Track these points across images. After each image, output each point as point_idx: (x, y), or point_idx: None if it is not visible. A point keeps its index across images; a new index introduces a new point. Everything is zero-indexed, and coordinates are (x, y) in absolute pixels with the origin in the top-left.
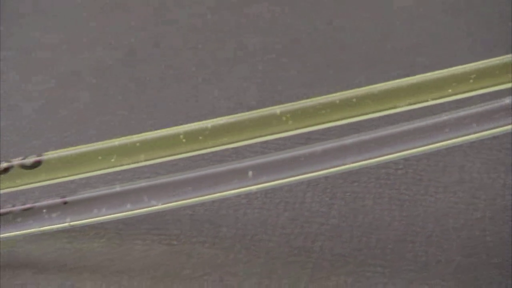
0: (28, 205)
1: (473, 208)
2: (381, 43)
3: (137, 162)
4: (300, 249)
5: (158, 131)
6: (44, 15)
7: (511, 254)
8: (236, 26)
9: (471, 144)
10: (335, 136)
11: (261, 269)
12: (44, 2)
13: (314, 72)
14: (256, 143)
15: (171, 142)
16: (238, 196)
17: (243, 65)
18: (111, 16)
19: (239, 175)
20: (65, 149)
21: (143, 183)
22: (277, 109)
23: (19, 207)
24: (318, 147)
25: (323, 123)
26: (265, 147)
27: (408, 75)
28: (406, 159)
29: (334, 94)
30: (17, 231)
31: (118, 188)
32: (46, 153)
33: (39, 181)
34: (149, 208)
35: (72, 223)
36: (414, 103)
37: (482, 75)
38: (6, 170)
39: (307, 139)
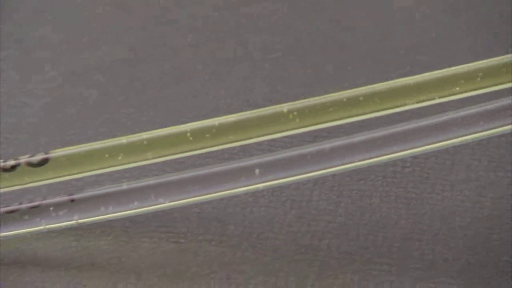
0: (35, 203)
1: (480, 206)
2: (381, 43)
3: (144, 160)
4: (307, 247)
5: (165, 129)
6: (47, 14)
7: None
8: (237, 25)
9: (479, 142)
10: (342, 134)
11: (268, 267)
12: (45, 2)
13: (314, 72)
14: (263, 141)
15: (178, 140)
16: (245, 194)
17: (249, 64)
18: (113, 15)
19: (246, 173)
20: (72, 147)
21: (150, 181)
22: (284, 107)
23: (26, 205)
24: (325, 145)
25: (330, 121)
26: (272, 145)
27: (408, 75)
28: (413, 157)
29: (341, 92)
30: (24, 229)
31: (125, 186)
32: (53, 150)
33: (46, 179)
34: (156, 206)
35: (79, 221)
36: (422, 101)
37: (489, 73)
38: (13, 167)
39: (314, 137)
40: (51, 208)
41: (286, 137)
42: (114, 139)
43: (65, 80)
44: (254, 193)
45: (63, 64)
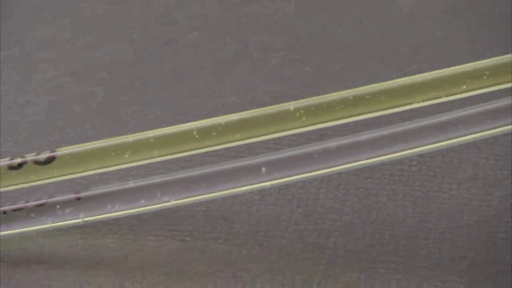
0: (41, 201)
1: (487, 204)
2: (382, 43)
3: (151, 158)
4: (313, 246)
5: (172, 127)
6: (47, 13)
7: None
8: (237, 25)
9: (485, 141)
10: (348, 133)
11: (274, 265)
12: (45, 1)
13: (314, 72)
14: (269, 139)
15: (184, 138)
16: (252, 192)
17: (249, 63)
18: (113, 14)
19: (252, 171)
20: (79, 145)
21: (156, 179)
22: (291, 105)
23: (32, 203)
24: (332, 144)
25: (337, 119)
26: (278, 144)
27: (408, 75)
28: (420, 156)
29: (347, 91)
30: (30, 227)
31: (131, 184)
32: (59, 149)
33: (53, 177)
34: (163, 204)
35: (85, 219)
36: (428, 100)
37: (496, 72)
38: (19, 165)
39: (321, 135)
40: (58, 206)
41: (293, 135)
42: (120, 137)
43: (71, 78)
44: (260, 192)
45: (67, 63)
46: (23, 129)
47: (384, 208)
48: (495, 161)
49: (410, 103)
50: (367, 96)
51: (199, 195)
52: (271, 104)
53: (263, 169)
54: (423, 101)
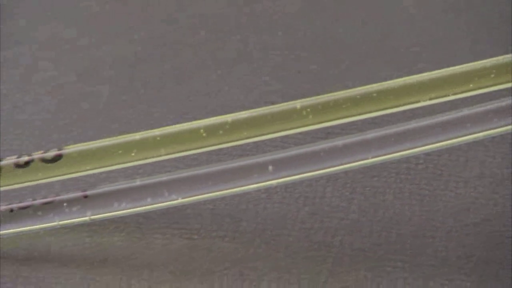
0: (48, 199)
1: (493, 203)
2: (381, 43)
3: (158, 156)
4: (320, 244)
5: (179, 125)
6: (52, 12)
7: None
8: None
9: (492, 139)
10: (355, 131)
11: (281, 263)
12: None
13: (314, 72)
14: (276, 138)
15: (191, 136)
16: (258, 190)
17: (249, 63)
18: (113, 13)
19: (259, 169)
20: (86, 143)
21: (163, 177)
22: (298, 103)
23: (39, 201)
24: (339, 142)
25: (344, 117)
26: (285, 142)
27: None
28: (426, 154)
29: (354, 89)
30: (37, 225)
31: (138, 182)
32: (66, 146)
33: (60, 175)
34: (170, 202)
35: (92, 217)
36: (435, 98)
37: (503, 70)
38: (27, 163)
39: (328, 133)
40: (65, 204)
41: (299, 133)
42: (127, 135)
43: (82, 75)
44: (267, 190)
45: (68, 63)
46: (29, 128)
47: (390, 206)
48: (501, 160)
49: (417, 102)
50: (374, 95)
51: (206, 193)
52: (271, 104)
53: (270, 168)
54: (429, 99)
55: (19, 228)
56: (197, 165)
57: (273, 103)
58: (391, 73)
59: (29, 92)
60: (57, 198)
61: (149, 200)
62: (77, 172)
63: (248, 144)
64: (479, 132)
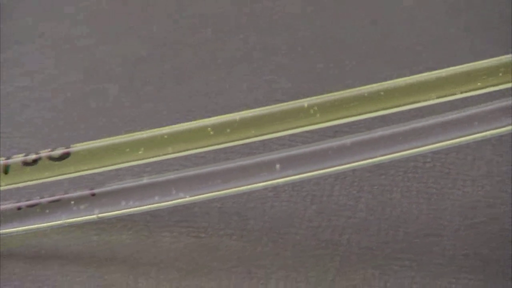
0: (56, 197)
1: (501, 201)
2: (381, 43)
3: (165, 154)
4: (327, 242)
5: (186, 123)
6: (52, 12)
7: None
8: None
9: (500, 138)
10: (363, 129)
11: (289, 262)
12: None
13: (314, 72)
14: (283, 136)
15: (199, 134)
16: (266, 189)
17: (249, 63)
18: (113, 13)
19: (266, 167)
20: (93, 141)
21: (171, 176)
22: (305, 102)
23: (47, 199)
24: (346, 140)
25: (351, 116)
26: (292, 140)
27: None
28: (434, 152)
29: (362, 87)
30: (45, 223)
31: (146, 180)
32: (74, 145)
33: (67, 173)
34: (177, 201)
35: (100, 215)
36: (443, 96)
37: (511, 68)
38: (34, 161)
39: (335, 132)
40: (72, 202)
41: (307, 132)
42: (135, 133)
43: (90, 73)
44: (274, 188)
45: (91, 57)
46: (37, 126)
47: (398, 205)
48: (509, 158)
49: (425, 100)
50: (382, 93)
51: (214, 191)
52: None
53: (277, 166)
54: (437, 98)
55: (26, 226)
56: (205, 163)
57: (273, 103)
58: (391, 73)
59: (34, 91)
60: (65, 196)
61: (156, 198)
62: (84, 170)
63: (255, 142)
64: (486, 130)
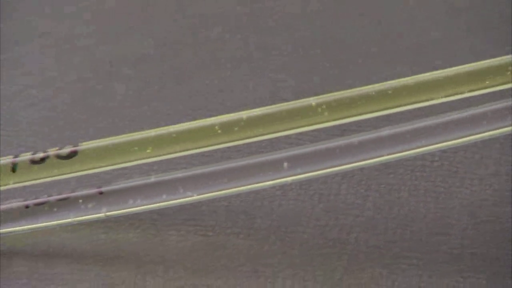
0: (64, 195)
1: (509, 200)
2: (382, 42)
3: (173, 153)
4: (335, 241)
5: (194, 122)
6: (52, 12)
7: None
8: (238, 25)
9: (507, 137)
10: (370, 128)
11: (296, 260)
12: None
13: (313, 72)
14: (291, 135)
15: (206, 133)
16: (273, 187)
17: (249, 63)
18: (114, 12)
19: (274, 166)
20: (101, 140)
21: (178, 174)
22: (313, 100)
23: (55, 197)
24: (354, 139)
25: (359, 114)
26: (300, 139)
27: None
28: (441, 151)
29: (370, 86)
30: (53, 221)
31: (153, 178)
32: (82, 143)
33: (75, 172)
34: (185, 199)
35: (107, 214)
36: (451, 95)
37: None
38: (42, 160)
39: (343, 130)
40: (80, 201)
41: (315, 130)
42: (143, 132)
43: (98, 72)
44: (282, 187)
45: (98, 56)
46: (37, 126)
47: (406, 203)
48: None
49: (433, 99)
50: (389, 92)
51: (221, 190)
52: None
53: (285, 164)
54: (445, 96)
55: (34, 224)
56: (212, 162)
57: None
58: (391, 73)
59: (34, 90)
60: (73, 194)
61: (164, 196)
62: (92, 168)
63: (263, 141)
64: (494, 129)
